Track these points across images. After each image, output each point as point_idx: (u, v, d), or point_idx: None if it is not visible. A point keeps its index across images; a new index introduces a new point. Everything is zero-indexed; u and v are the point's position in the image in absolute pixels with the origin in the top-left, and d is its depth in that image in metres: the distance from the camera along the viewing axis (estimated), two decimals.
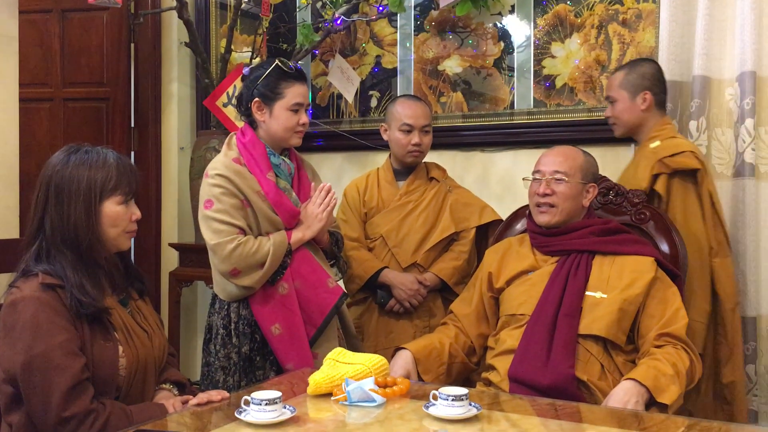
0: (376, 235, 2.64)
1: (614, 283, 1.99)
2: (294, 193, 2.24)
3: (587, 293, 1.99)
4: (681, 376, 1.83)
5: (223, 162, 2.18)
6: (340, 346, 2.17)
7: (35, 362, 1.50)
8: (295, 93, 2.18)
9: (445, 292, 2.60)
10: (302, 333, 2.15)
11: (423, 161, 2.73)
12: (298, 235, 2.19)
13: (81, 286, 1.58)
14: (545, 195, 2.11)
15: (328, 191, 2.21)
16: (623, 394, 1.76)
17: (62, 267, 1.60)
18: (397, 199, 2.65)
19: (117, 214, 1.66)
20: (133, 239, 1.79)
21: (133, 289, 1.77)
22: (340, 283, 2.37)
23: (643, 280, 1.97)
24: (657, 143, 2.41)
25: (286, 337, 2.15)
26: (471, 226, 2.63)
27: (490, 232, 2.66)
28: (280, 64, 2.19)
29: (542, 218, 2.14)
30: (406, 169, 2.69)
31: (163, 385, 1.77)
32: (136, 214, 1.71)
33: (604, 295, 1.97)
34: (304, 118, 2.20)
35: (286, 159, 2.25)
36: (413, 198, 2.64)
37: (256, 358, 2.19)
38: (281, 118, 2.18)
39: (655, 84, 2.49)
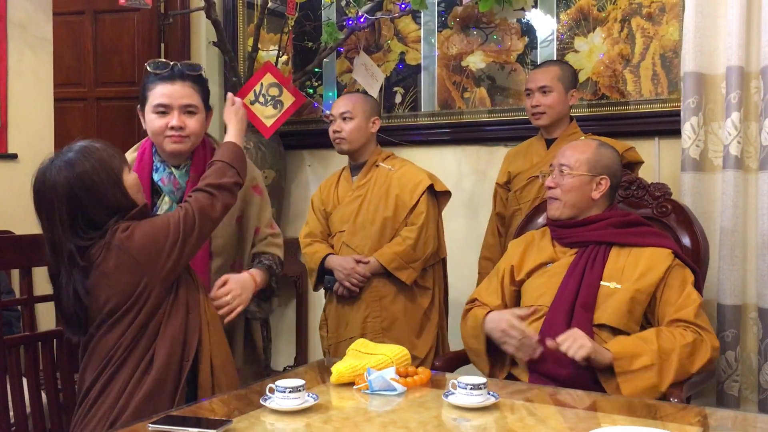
0: (333, 231, 2.74)
1: (629, 273, 2.00)
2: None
3: (602, 283, 2.01)
4: (665, 351, 1.83)
5: None
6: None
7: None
8: (157, 94, 1.94)
9: (392, 275, 2.62)
10: None
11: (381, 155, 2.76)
12: None
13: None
14: (549, 188, 2.14)
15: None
16: (564, 336, 1.82)
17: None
18: (350, 194, 2.71)
19: (135, 180, 1.79)
20: None
21: None
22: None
23: (657, 271, 1.98)
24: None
25: None
26: (408, 206, 2.63)
27: (441, 204, 2.71)
28: (146, 66, 1.98)
29: (549, 211, 2.18)
30: (360, 163, 2.75)
31: None
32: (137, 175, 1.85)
33: (618, 286, 1.98)
34: (175, 120, 1.93)
35: (176, 171, 2.00)
36: (362, 192, 2.69)
37: None
38: (149, 121, 1.97)
39: None
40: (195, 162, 2.00)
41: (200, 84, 2.01)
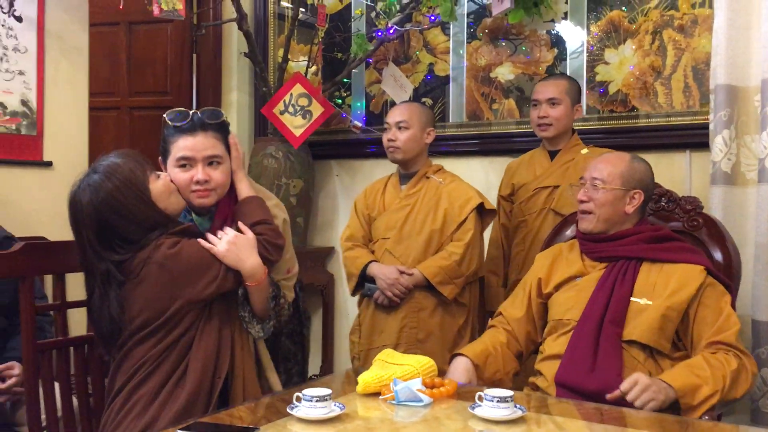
0: (376, 237, 2.73)
1: (660, 290, 1.97)
2: None
3: (632, 299, 1.98)
4: (717, 378, 1.80)
5: None
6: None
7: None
8: (179, 147, 1.86)
9: (434, 288, 2.60)
10: None
11: (431, 166, 2.77)
12: None
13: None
14: (582, 202, 2.12)
15: None
16: (630, 381, 1.76)
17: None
18: (397, 202, 2.71)
19: (164, 186, 1.81)
20: None
21: None
22: None
23: (690, 288, 1.95)
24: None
25: None
26: (456, 221, 2.62)
27: (486, 223, 2.71)
28: (165, 117, 1.90)
29: (581, 225, 2.16)
30: (410, 172, 2.74)
31: None
32: (168, 177, 1.87)
33: (650, 302, 1.96)
34: (200, 174, 1.85)
35: (197, 218, 1.96)
36: (411, 201, 2.69)
37: None
38: (172, 175, 1.88)
39: None
40: (220, 209, 1.93)
41: (222, 131, 1.92)
